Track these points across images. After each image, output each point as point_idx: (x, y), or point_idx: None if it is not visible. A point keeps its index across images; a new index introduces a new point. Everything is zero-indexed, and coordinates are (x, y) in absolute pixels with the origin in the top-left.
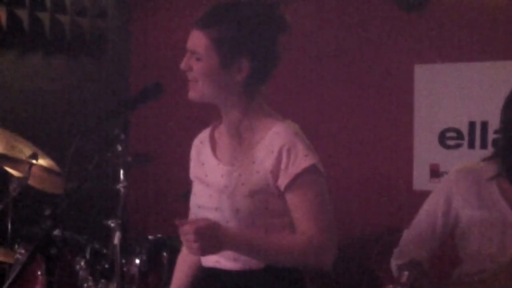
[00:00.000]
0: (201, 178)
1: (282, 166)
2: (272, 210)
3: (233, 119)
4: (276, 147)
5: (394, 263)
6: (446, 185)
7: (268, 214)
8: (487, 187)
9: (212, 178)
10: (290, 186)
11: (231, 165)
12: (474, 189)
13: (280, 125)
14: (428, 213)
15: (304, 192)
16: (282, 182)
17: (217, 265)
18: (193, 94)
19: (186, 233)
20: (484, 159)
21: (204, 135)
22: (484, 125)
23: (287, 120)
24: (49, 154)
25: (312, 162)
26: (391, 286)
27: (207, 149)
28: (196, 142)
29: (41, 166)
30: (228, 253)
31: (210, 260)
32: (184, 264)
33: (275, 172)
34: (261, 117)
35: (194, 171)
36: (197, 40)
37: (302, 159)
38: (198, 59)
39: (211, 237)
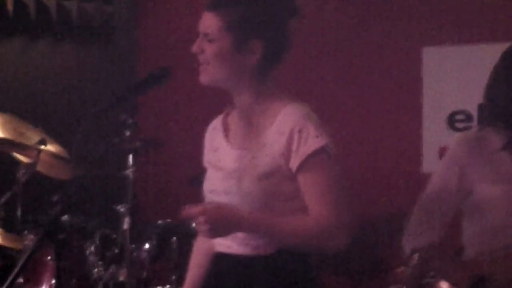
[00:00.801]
0: (214, 163)
1: (293, 147)
2: (284, 193)
3: (245, 103)
4: (287, 129)
5: (407, 245)
6: (457, 157)
7: (279, 197)
8: (500, 158)
9: (225, 163)
10: (301, 167)
11: (243, 149)
12: (488, 161)
13: (291, 107)
14: (440, 189)
15: (315, 173)
16: (294, 163)
17: (229, 250)
18: (204, 77)
19: (195, 216)
20: (481, 128)
21: (217, 121)
22: None
23: (298, 101)
24: (57, 140)
25: (323, 143)
26: (401, 268)
27: (220, 135)
28: (209, 128)
29: (49, 152)
30: (240, 238)
31: (223, 245)
32: (199, 251)
33: (287, 154)
34: (272, 100)
35: (208, 157)
36: (209, 21)
37: (313, 140)
38: (210, 41)
39: (220, 219)
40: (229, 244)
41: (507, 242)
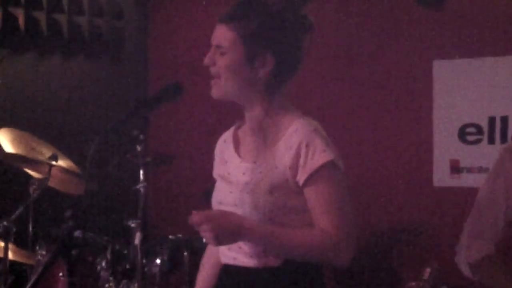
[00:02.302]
0: (223, 176)
1: (301, 161)
2: (292, 207)
3: (256, 116)
4: (295, 143)
5: (465, 262)
6: (503, 168)
7: (287, 211)
8: None
9: (235, 176)
10: (308, 181)
11: (253, 162)
12: None
13: (299, 122)
14: (488, 202)
15: (321, 188)
16: (300, 178)
17: (236, 262)
18: (216, 91)
19: (201, 222)
20: None
21: (228, 134)
22: (504, 120)
23: (307, 117)
24: (68, 155)
25: (330, 158)
26: (413, 283)
27: (230, 148)
28: (220, 141)
29: (61, 168)
30: (245, 250)
31: (229, 257)
32: (208, 263)
33: (294, 168)
34: (282, 114)
35: (218, 169)
36: (223, 34)
37: (320, 155)
38: (222, 53)
39: (225, 227)
40: (235, 256)
41: None
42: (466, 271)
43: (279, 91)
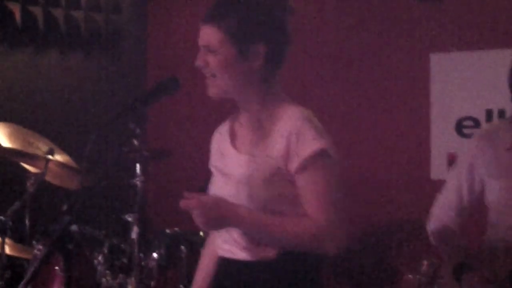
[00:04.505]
0: (220, 168)
1: (292, 150)
2: (287, 197)
3: (253, 110)
4: (286, 132)
5: (428, 229)
6: (470, 153)
7: (283, 201)
8: (507, 155)
9: (231, 169)
10: (299, 170)
11: (249, 154)
12: (494, 157)
13: (291, 110)
14: (454, 179)
15: (311, 176)
16: (292, 166)
17: (231, 255)
18: (213, 90)
19: (192, 207)
20: (503, 121)
21: (224, 126)
22: (502, 112)
23: (300, 106)
24: (65, 150)
25: (320, 146)
26: (410, 276)
27: (226, 140)
28: (216, 133)
29: (57, 162)
30: (241, 243)
31: (225, 250)
32: (206, 256)
33: (286, 157)
34: (278, 103)
35: (214, 161)
36: (210, 34)
37: (310, 143)
38: (213, 53)
39: (215, 213)
40: (231, 249)
41: (502, 236)
42: (430, 237)
43: (274, 80)
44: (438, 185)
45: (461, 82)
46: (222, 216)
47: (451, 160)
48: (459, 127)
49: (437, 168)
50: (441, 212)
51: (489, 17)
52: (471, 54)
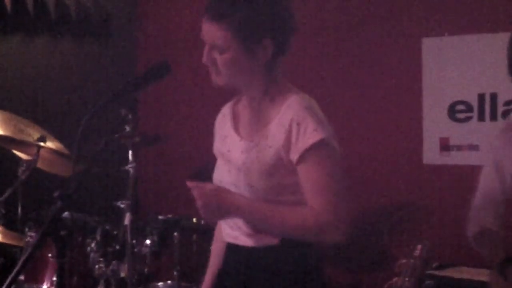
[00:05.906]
0: (223, 153)
1: (293, 140)
2: (287, 186)
3: (255, 96)
4: (287, 121)
5: (468, 234)
6: (494, 150)
7: (282, 190)
8: None
9: (233, 154)
10: (300, 160)
11: (250, 141)
12: None
13: (293, 98)
14: (486, 178)
15: (312, 167)
16: (293, 156)
17: (237, 241)
18: (218, 79)
19: (195, 197)
20: None
21: (227, 108)
22: (494, 96)
23: (302, 93)
24: (57, 136)
25: (321, 137)
26: (404, 260)
27: (228, 123)
28: (219, 115)
29: (49, 149)
30: (245, 229)
31: (231, 236)
32: (216, 244)
33: (287, 146)
34: (279, 90)
35: (217, 146)
36: (215, 33)
37: (311, 134)
38: (221, 52)
39: (216, 203)
40: (236, 235)
41: None
42: (472, 243)
43: (277, 67)
44: (430, 170)
45: (453, 67)
46: (221, 205)
47: (444, 145)
48: (451, 112)
49: (429, 153)
50: (479, 217)
51: (481, 1)
52: (463, 38)
